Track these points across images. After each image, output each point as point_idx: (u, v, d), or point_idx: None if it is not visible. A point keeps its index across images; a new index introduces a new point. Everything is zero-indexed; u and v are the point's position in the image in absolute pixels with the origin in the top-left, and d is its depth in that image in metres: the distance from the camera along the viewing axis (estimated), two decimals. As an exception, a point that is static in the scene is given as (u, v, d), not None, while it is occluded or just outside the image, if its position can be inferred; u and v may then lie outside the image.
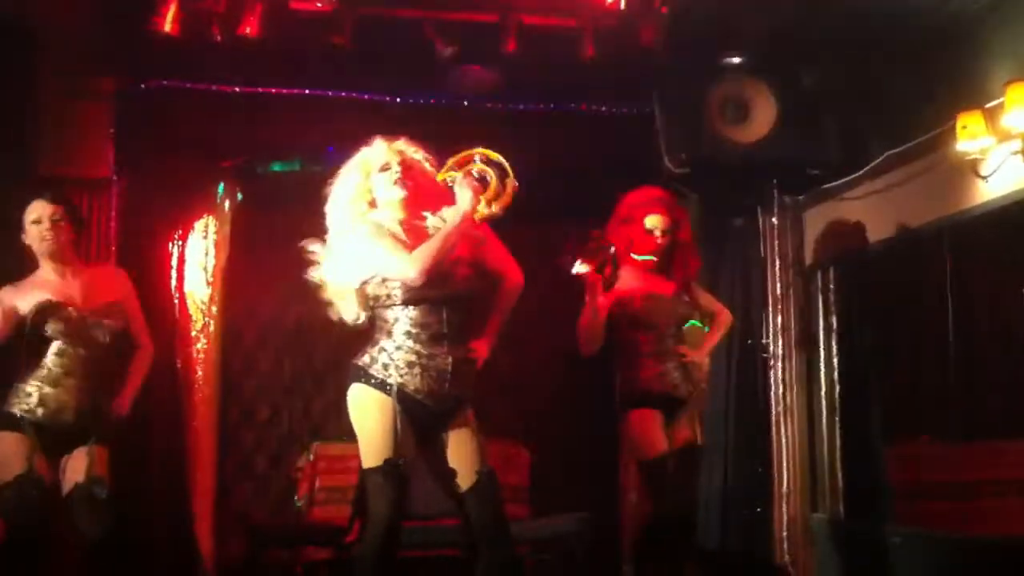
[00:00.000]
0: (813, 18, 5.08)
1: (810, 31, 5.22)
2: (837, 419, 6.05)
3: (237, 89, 5.57)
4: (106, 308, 4.33)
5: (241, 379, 6.65)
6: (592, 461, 6.73)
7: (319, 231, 3.97)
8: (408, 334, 3.58)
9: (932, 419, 5.81)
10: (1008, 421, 5.30)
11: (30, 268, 4.37)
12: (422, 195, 3.72)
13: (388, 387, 3.56)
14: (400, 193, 3.66)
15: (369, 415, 3.58)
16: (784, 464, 6.11)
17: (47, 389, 4.20)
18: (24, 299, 4.22)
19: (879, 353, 5.87)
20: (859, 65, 5.37)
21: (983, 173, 4.81)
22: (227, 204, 6.04)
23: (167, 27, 4.97)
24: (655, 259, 4.70)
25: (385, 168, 3.68)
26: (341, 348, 6.79)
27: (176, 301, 5.84)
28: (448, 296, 3.61)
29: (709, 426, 6.05)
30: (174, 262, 5.84)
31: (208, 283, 5.95)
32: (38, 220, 4.26)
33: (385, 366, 3.58)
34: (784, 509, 6.07)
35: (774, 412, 6.14)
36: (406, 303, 3.57)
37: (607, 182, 6.36)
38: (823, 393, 6.08)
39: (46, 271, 4.32)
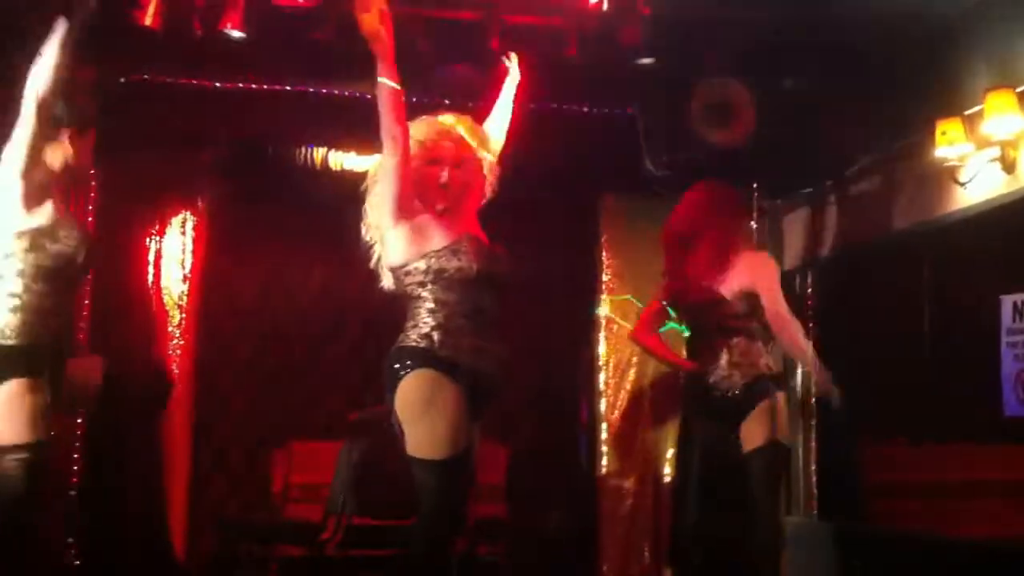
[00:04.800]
0: (795, 23, 5.09)
1: (792, 36, 5.22)
2: (813, 421, 6.08)
3: (217, 84, 5.56)
4: None
5: (218, 373, 6.62)
6: (569, 460, 6.73)
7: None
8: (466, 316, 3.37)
9: (908, 421, 5.84)
10: (983, 424, 5.33)
11: None
12: None
13: (457, 371, 3.32)
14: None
15: (439, 401, 3.28)
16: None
17: None
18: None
19: (856, 356, 5.89)
20: (840, 71, 5.38)
21: (962, 180, 4.82)
22: (205, 198, 6.02)
23: (147, 21, 4.92)
24: None
25: None
26: (318, 343, 6.87)
27: (153, 295, 5.82)
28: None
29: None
30: (151, 256, 5.83)
31: (185, 278, 5.92)
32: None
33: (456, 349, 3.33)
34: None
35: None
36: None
37: (588, 183, 6.40)
38: (799, 396, 6.09)
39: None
